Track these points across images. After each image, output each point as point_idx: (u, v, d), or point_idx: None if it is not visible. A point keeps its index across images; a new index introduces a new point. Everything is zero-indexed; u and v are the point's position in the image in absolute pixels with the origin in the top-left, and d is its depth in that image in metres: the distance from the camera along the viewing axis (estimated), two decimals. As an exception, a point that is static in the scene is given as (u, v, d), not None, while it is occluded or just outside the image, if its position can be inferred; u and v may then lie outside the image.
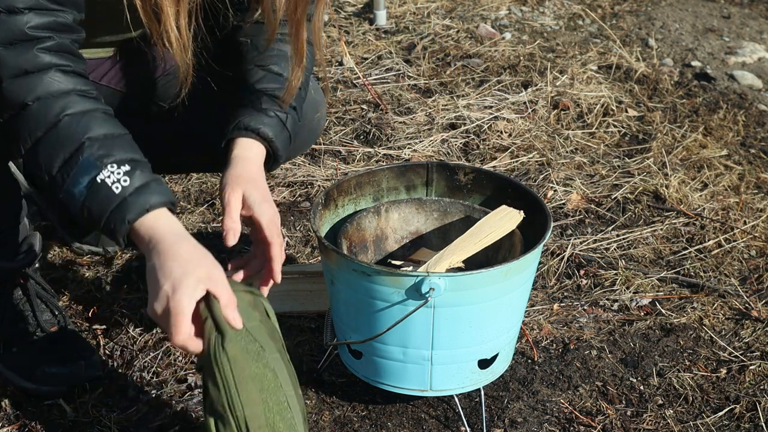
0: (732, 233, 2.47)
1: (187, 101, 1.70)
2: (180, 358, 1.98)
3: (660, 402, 1.90)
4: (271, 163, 1.76)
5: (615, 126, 3.04)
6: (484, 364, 1.75)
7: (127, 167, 1.47)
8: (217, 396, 1.42)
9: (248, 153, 1.71)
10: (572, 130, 3.00)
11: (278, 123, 1.74)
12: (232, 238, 1.59)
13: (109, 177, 1.45)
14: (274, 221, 1.65)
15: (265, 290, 1.66)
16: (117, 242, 1.49)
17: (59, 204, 1.51)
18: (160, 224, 1.47)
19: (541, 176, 2.73)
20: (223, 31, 1.79)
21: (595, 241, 2.44)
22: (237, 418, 1.41)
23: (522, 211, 1.81)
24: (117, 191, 1.45)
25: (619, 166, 2.81)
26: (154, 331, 2.06)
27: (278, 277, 1.65)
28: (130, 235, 1.48)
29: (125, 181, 1.45)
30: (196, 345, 1.42)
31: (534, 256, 1.70)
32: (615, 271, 2.32)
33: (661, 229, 2.50)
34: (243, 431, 1.41)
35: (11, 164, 1.83)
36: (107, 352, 2.00)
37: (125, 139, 1.52)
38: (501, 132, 2.96)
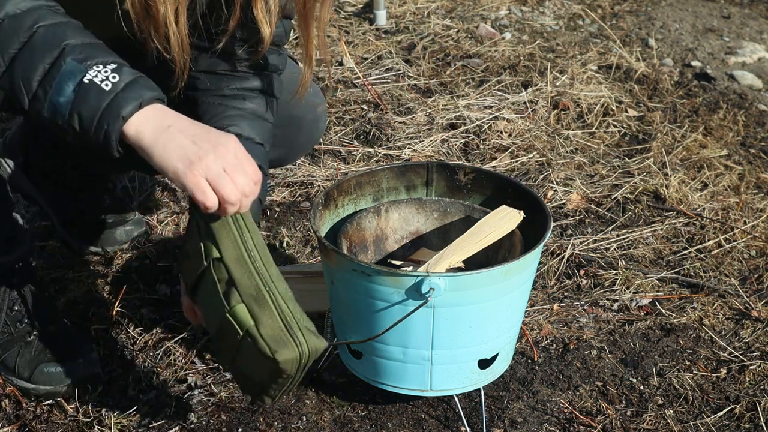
0: (732, 233, 2.47)
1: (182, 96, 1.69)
2: (180, 358, 1.98)
3: (660, 402, 1.90)
4: None
5: (615, 126, 3.04)
6: (484, 364, 1.75)
7: (113, 65, 1.41)
8: (248, 281, 1.46)
9: None
10: (572, 130, 3.00)
11: None
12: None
13: (96, 76, 1.39)
14: None
15: None
16: (109, 148, 1.41)
17: (44, 125, 1.44)
18: (161, 113, 1.42)
19: (541, 176, 2.73)
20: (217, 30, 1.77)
21: (595, 241, 2.44)
22: (272, 292, 1.47)
23: (522, 211, 1.81)
24: (107, 88, 1.39)
25: (619, 166, 2.81)
26: (154, 331, 2.06)
27: None
28: (124, 138, 1.41)
29: (114, 77, 1.40)
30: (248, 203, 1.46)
31: (534, 256, 1.70)
32: (615, 271, 2.32)
33: (661, 229, 2.50)
34: (281, 306, 1.46)
35: (1, 160, 1.83)
36: (107, 352, 2.00)
37: (104, 46, 1.46)
38: (501, 132, 2.96)
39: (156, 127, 1.40)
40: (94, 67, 1.40)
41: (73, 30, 1.44)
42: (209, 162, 1.40)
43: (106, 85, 1.39)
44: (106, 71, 1.40)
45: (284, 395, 1.57)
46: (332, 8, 1.99)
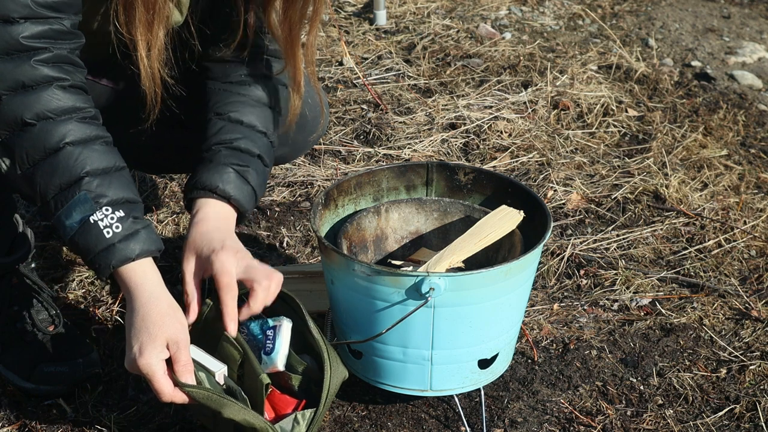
0: (732, 233, 2.47)
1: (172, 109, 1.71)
2: (180, 358, 1.98)
3: (660, 402, 1.90)
4: (238, 217, 1.74)
5: (615, 126, 3.04)
6: (484, 364, 1.75)
7: (120, 212, 1.51)
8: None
9: (204, 214, 1.70)
10: (572, 130, 3.00)
11: (237, 178, 1.71)
12: (191, 315, 1.65)
13: (102, 220, 1.49)
14: (225, 269, 1.61)
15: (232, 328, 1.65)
16: (98, 276, 1.56)
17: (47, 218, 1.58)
18: (140, 275, 1.53)
19: (541, 176, 2.73)
20: (191, 62, 1.78)
21: (595, 241, 2.44)
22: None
23: (522, 211, 1.81)
24: (107, 236, 1.50)
25: (619, 166, 2.81)
26: (154, 331, 2.05)
27: (230, 328, 1.63)
28: (112, 275, 1.54)
29: (117, 227, 1.50)
30: (182, 396, 1.52)
31: (534, 256, 1.70)
32: (615, 271, 2.31)
33: (661, 229, 2.50)
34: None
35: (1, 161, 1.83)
36: (107, 351, 2.00)
37: (122, 175, 1.54)
38: (501, 132, 2.96)
39: (125, 290, 1.55)
40: (103, 209, 1.50)
41: (96, 153, 1.51)
42: (132, 371, 1.54)
43: (108, 232, 1.50)
44: (112, 217, 1.50)
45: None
46: (318, 33, 2.00)
